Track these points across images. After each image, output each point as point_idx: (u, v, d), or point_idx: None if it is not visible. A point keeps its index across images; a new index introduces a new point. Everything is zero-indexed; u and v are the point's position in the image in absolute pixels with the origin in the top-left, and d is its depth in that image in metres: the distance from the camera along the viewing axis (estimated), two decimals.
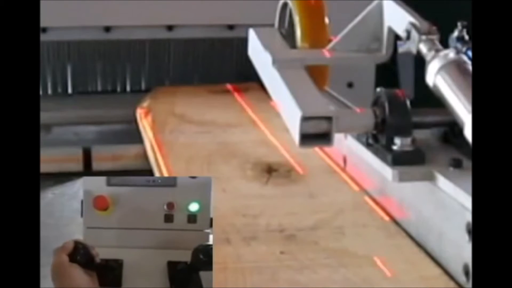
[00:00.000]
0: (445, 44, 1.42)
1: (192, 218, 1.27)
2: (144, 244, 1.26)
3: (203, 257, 1.20)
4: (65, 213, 1.98)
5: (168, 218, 1.27)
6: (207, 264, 1.20)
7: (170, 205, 1.27)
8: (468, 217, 1.20)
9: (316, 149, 1.77)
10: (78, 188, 2.04)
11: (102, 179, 1.28)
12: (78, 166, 2.16)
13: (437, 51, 1.36)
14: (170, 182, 1.31)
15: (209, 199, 1.28)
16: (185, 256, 1.22)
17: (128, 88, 2.63)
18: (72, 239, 1.21)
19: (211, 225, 1.28)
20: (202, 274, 1.21)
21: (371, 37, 1.62)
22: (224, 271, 1.26)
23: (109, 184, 1.28)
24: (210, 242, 1.26)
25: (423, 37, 1.40)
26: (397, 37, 1.56)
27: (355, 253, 1.33)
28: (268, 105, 2.16)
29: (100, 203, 1.27)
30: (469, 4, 1.17)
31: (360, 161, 1.53)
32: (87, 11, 2.48)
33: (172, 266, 1.24)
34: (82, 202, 1.27)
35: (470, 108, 1.22)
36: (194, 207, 1.27)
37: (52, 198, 2.06)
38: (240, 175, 1.69)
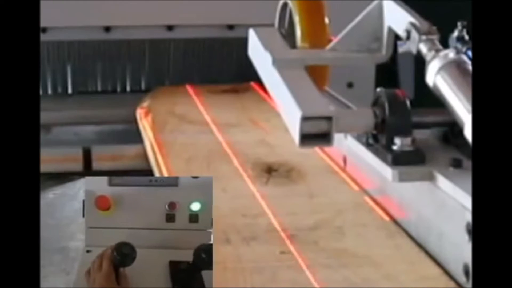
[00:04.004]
0: (445, 44, 1.42)
1: (193, 217, 1.28)
2: (146, 244, 1.26)
3: (205, 256, 1.20)
4: (66, 213, 1.98)
5: (170, 218, 1.27)
6: (210, 263, 1.20)
7: (172, 205, 1.27)
8: (468, 217, 1.20)
9: (316, 149, 1.77)
10: (78, 188, 2.05)
11: (104, 179, 1.28)
12: (78, 166, 2.16)
13: (437, 51, 1.36)
14: (171, 182, 1.31)
15: (211, 198, 1.28)
16: (187, 256, 1.22)
17: (128, 88, 2.63)
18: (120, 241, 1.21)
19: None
20: (204, 273, 1.21)
21: (371, 37, 1.62)
22: (224, 271, 1.26)
23: (111, 184, 1.28)
24: (211, 241, 1.26)
25: (423, 37, 1.40)
26: (397, 37, 1.56)
27: (355, 253, 1.33)
28: (268, 105, 2.16)
29: (102, 203, 1.27)
30: (469, 4, 1.17)
31: (360, 161, 1.53)
32: (87, 11, 2.48)
33: (174, 266, 1.24)
34: (83, 202, 1.27)
35: (470, 108, 1.22)
36: (195, 206, 1.27)
37: (53, 198, 2.07)
38: (240, 175, 1.69)
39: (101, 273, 1.18)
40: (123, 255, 1.19)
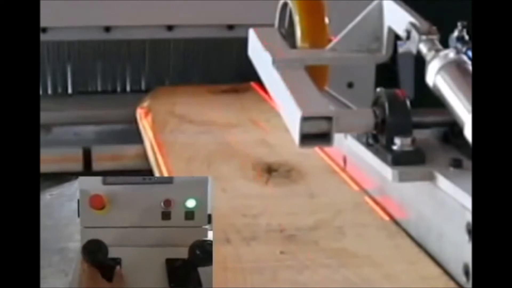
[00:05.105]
0: (445, 44, 1.42)
1: (189, 214, 1.27)
2: (142, 242, 1.26)
3: (200, 253, 1.20)
4: (64, 214, 1.98)
5: (166, 216, 1.27)
6: (205, 260, 1.20)
7: (167, 203, 1.27)
8: (468, 217, 1.20)
9: (316, 149, 1.77)
10: (76, 188, 2.04)
11: (98, 178, 1.28)
12: (78, 166, 2.16)
13: (437, 51, 1.36)
14: (166, 180, 1.31)
15: (206, 195, 1.28)
16: (184, 253, 1.22)
17: (128, 88, 2.63)
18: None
19: (209, 222, 1.28)
20: (201, 270, 1.21)
21: (371, 37, 1.62)
22: (224, 271, 1.26)
23: (105, 183, 1.28)
24: (207, 237, 1.26)
25: (423, 37, 1.40)
26: (397, 37, 1.56)
27: (355, 253, 1.33)
28: (268, 105, 2.16)
29: (97, 202, 1.27)
30: (469, 4, 1.17)
31: (360, 161, 1.53)
32: (87, 11, 2.48)
33: (171, 264, 1.24)
34: (78, 201, 1.27)
35: (470, 108, 1.22)
36: (191, 203, 1.27)
37: (51, 199, 2.07)
38: (240, 175, 1.69)
39: (85, 273, 1.19)
40: (90, 253, 1.20)
